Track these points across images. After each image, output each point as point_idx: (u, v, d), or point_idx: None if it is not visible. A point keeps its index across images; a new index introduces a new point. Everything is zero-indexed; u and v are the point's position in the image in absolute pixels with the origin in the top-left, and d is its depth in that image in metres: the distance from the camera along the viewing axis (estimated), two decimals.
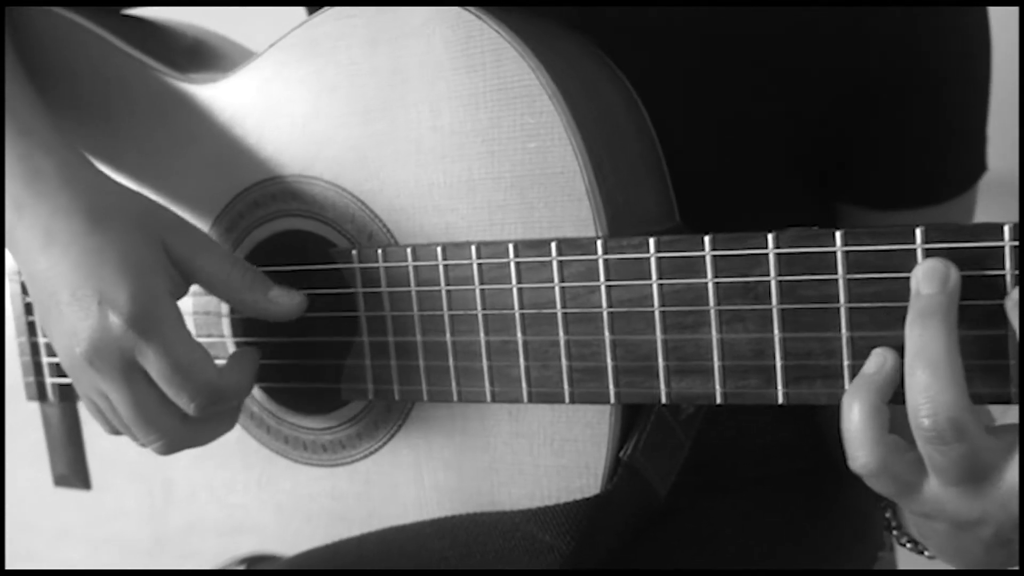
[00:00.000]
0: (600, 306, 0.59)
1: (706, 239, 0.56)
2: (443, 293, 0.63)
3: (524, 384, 0.62)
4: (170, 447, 0.67)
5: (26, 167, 0.68)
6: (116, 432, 0.70)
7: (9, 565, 0.93)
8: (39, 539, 0.90)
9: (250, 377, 0.68)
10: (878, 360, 0.53)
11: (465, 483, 0.67)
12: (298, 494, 0.74)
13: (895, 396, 0.53)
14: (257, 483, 0.76)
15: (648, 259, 0.58)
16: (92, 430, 0.85)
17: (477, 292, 0.62)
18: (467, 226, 0.63)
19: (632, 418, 0.63)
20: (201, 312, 0.76)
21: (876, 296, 0.54)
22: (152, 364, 0.63)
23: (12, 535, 0.92)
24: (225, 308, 0.75)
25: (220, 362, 0.67)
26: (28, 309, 0.85)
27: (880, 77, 0.70)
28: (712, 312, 0.57)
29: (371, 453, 0.70)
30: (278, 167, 0.70)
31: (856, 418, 0.53)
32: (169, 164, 0.75)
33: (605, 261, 0.59)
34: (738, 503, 0.79)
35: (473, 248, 0.62)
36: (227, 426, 0.69)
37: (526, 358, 0.62)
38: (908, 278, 0.52)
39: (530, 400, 0.62)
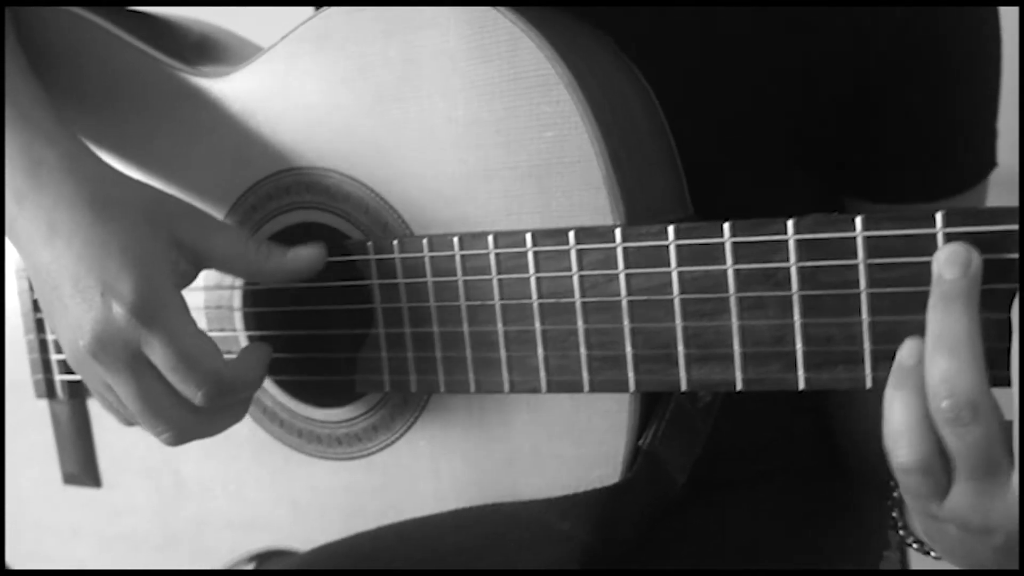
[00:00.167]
0: (619, 294, 0.59)
1: (725, 226, 0.56)
2: (460, 283, 0.63)
3: (543, 373, 0.62)
4: (178, 438, 0.66)
5: (28, 157, 0.67)
6: (131, 423, 0.70)
7: (19, 563, 0.93)
8: (49, 537, 0.90)
9: (260, 370, 0.68)
10: (915, 349, 0.53)
11: (483, 474, 0.67)
12: (313, 488, 0.74)
13: None
14: (271, 478, 0.76)
15: (667, 247, 0.58)
16: (102, 427, 0.85)
17: (495, 282, 0.62)
18: (483, 216, 0.63)
19: (650, 407, 0.63)
20: (213, 307, 0.75)
21: (897, 281, 0.54)
22: (158, 354, 0.63)
23: (22, 534, 0.92)
24: (237, 302, 0.75)
25: (231, 356, 0.67)
26: (36, 306, 0.85)
27: (889, 70, 0.70)
28: (732, 299, 0.57)
29: (387, 445, 0.70)
30: (291, 159, 0.70)
31: (899, 413, 0.52)
32: (180, 158, 0.75)
33: (624, 249, 0.58)
34: (748, 497, 0.79)
35: (490, 238, 0.62)
36: (236, 417, 0.69)
37: (544, 347, 0.62)
38: (929, 262, 0.52)
39: (548, 389, 0.62)
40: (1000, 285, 0.51)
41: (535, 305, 0.61)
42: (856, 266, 0.54)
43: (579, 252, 0.60)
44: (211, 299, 0.75)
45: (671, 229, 0.57)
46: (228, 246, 0.67)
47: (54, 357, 0.85)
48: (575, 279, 0.60)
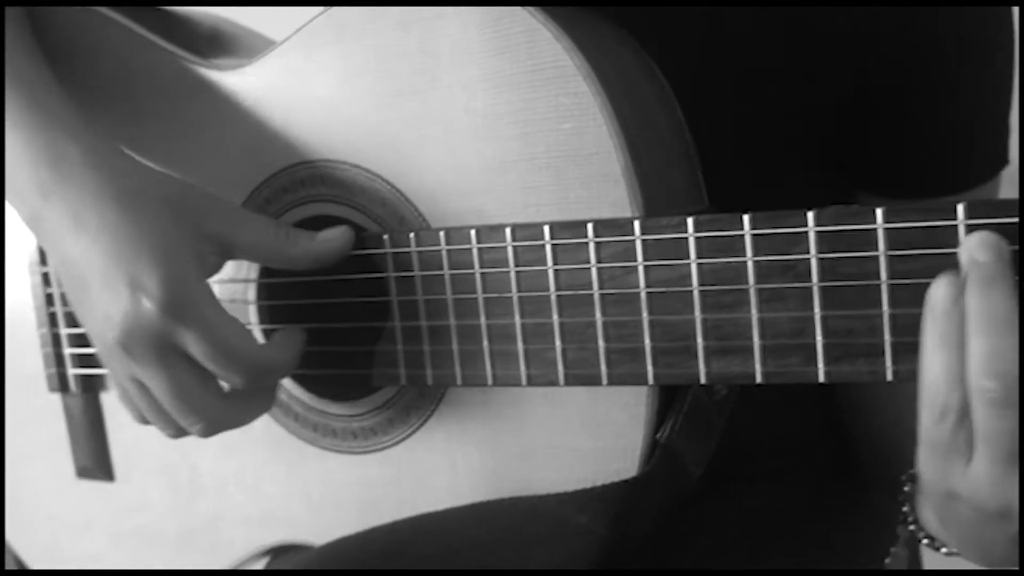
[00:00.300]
0: (638, 287, 0.59)
1: (745, 218, 0.56)
2: (477, 276, 0.63)
3: (560, 366, 0.62)
4: (211, 429, 0.67)
5: (51, 152, 0.67)
6: (145, 421, 0.70)
7: (32, 557, 0.93)
8: (62, 531, 0.90)
9: (295, 354, 0.68)
10: (953, 289, 0.51)
11: (500, 468, 0.67)
12: (328, 482, 0.74)
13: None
14: (286, 472, 0.76)
15: (687, 239, 0.57)
16: (115, 422, 0.85)
17: (512, 275, 0.62)
18: (500, 208, 0.63)
19: (668, 400, 0.63)
20: (227, 300, 0.75)
21: (918, 272, 0.53)
22: (195, 346, 0.63)
23: (36, 527, 0.92)
24: (252, 295, 0.74)
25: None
26: (49, 300, 0.85)
27: (902, 65, 0.70)
28: (752, 291, 0.57)
29: (403, 439, 0.70)
30: (307, 152, 0.69)
31: (938, 366, 0.51)
32: (194, 151, 0.75)
33: (643, 241, 0.58)
34: (762, 491, 0.79)
35: (508, 230, 0.61)
36: (266, 406, 0.69)
37: (562, 340, 0.61)
38: (950, 254, 0.52)
39: (566, 382, 0.62)
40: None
41: (553, 297, 0.61)
42: (877, 258, 0.54)
43: (597, 244, 0.59)
44: (225, 293, 0.75)
45: (690, 221, 0.57)
46: (254, 233, 0.67)
47: (67, 351, 0.85)
48: (593, 271, 0.60)
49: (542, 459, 0.65)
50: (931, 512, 0.60)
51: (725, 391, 0.66)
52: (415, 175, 0.65)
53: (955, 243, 0.52)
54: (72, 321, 0.82)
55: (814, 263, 0.55)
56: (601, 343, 0.60)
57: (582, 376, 0.61)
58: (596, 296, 0.60)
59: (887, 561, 0.68)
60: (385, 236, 0.66)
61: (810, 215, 0.55)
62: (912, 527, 0.65)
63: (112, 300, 0.63)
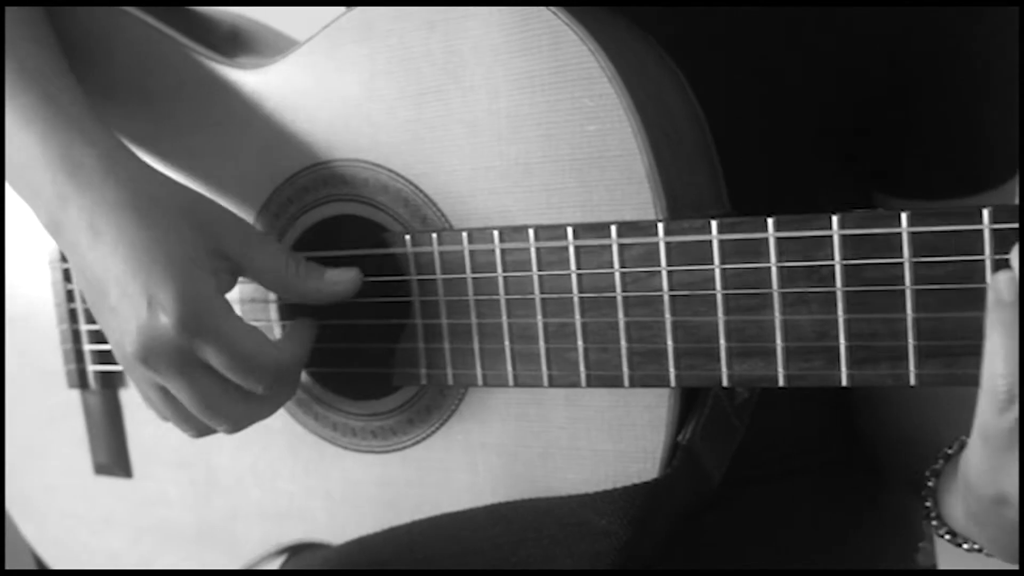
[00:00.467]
0: (661, 289, 0.59)
1: (769, 221, 0.56)
2: (500, 277, 0.63)
3: (582, 367, 0.62)
4: (237, 428, 0.68)
5: (68, 159, 0.67)
6: (168, 420, 0.70)
7: (50, 553, 0.94)
8: (80, 527, 0.90)
9: (308, 345, 0.69)
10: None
11: (520, 469, 0.67)
12: (347, 481, 0.74)
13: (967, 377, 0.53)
14: (304, 470, 0.76)
15: (710, 242, 0.57)
16: (133, 418, 0.85)
17: (535, 276, 0.62)
18: (523, 209, 0.63)
19: (689, 403, 0.63)
20: (248, 299, 0.75)
21: (942, 277, 0.53)
22: (215, 359, 0.64)
23: (53, 523, 0.92)
24: (273, 294, 0.74)
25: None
26: (70, 296, 0.85)
27: (919, 66, 0.69)
28: (775, 294, 0.57)
29: (423, 439, 0.70)
30: (329, 151, 0.70)
31: (1004, 346, 0.49)
32: (215, 150, 0.75)
33: (667, 244, 0.58)
34: (780, 494, 0.79)
35: (531, 231, 0.62)
36: (289, 395, 0.69)
37: (584, 341, 0.61)
38: (975, 260, 0.52)
39: (588, 384, 0.62)
40: None
41: (576, 299, 0.61)
42: (901, 263, 0.54)
43: (621, 246, 0.59)
44: (246, 292, 0.75)
45: (714, 224, 0.57)
46: (266, 259, 0.67)
47: (87, 347, 0.85)
48: (616, 273, 0.60)
49: (563, 460, 0.65)
50: (961, 510, 0.59)
51: (746, 395, 0.66)
52: (438, 175, 0.65)
53: (980, 247, 0.52)
54: (92, 317, 0.82)
55: (838, 267, 0.55)
56: (623, 344, 0.60)
57: (604, 377, 0.61)
58: (619, 298, 0.60)
59: (917, 557, 0.68)
60: (407, 236, 0.66)
61: (835, 219, 0.55)
62: (935, 522, 0.65)
63: (129, 313, 0.64)
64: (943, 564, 0.86)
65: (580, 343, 0.61)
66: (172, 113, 0.77)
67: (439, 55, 0.64)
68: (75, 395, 0.88)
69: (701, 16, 0.70)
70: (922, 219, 0.53)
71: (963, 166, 0.74)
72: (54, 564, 0.94)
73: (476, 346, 0.65)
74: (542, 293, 0.62)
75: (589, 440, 0.64)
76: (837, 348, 0.56)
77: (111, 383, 0.85)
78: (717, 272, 0.57)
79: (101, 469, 0.87)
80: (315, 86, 0.69)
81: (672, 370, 0.60)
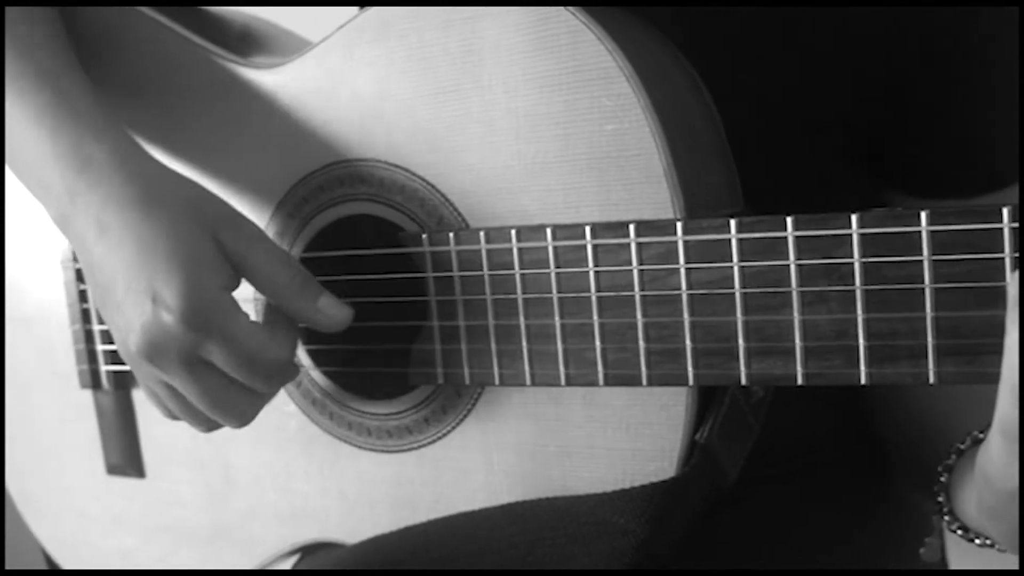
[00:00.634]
0: (679, 288, 0.59)
1: (788, 220, 0.56)
2: (517, 276, 0.63)
3: (600, 367, 0.62)
4: (243, 421, 0.68)
5: (78, 155, 0.67)
6: (175, 418, 0.70)
7: (62, 554, 0.94)
8: (93, 527, 0.90)
9: (295, 333, 0.68)
10: None
11: (537, 468, 0.67)
12: (362, 481, 0.74)
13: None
14: (319, 470, 0.76)
15: (729, 240, 0.57)
16: (146, 419, 0.85)
17: (552, 275, 0.62)
18: (541, 209, 0.63)
19: (706, 402, 0.63)
20: (258, 298, 0.75)
21: (962, 276, 0.53)
22: (218, 358, 0.64)
23: (66, 523, 0.92)
24: None
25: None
26: (82, 296, 0.85)
27: (935, 65, 0.69)
28: (795, 293, 0.57)
29: (439, 438, 0.70)
30: (344, 151, 0.70)
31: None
32: (230, 149, 0.75)
33: (685, 243, 0.58)
34: (793, 491, 0.79)
35: (549, 231, 0.62)
36: (292, 377, 0.69)
37: (602, 340, 0.61)
38: (995, 258, 0.52)
39: (606, 383, 0.62)
40: None
41: (594, 298, 0.61)
42: (921, 261, 0.54)
43: (639, 245, 0.59)
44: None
45: (733, 223, 0.57)
46: (266, 264, 0.66)
47: (100, 347, 0.85)
48: (635, 272, 0.60)
49: (580, 459, 0.65)
50: (975, 504, 0.59)
51: (762, 393, 0.66)
52: (454, 175, 0.65)
53: (1000, 245, 0.52)
54: None
55: (857, 266, 0.55)
56: (642, 344, 0.60)
57: (622, 376, 0.61)
58: (637, 297, 0.60)
59: (922, 551, 0.68)
60: (424, 235, 0.66)
61: (854, 218, 0.55)
62: (947, 517, 0.66)
63: (133, 310, 0.64)
64: (953, 559, 0.86)
65: (598, 343, 0.62)
66: (185, 113, 0.77)
67: (456, 54, 0.64)
68: (88, 395, 0.88)
69: (714, 16, 0.70)
70: (942, 217, 0.53)
71: (977, 165, 0.74)
72: (65, 564, 0.94)
73: (493, 346, 0.65)
74: (560, 292, 0.62)
75: (606, 439, 0.64)
76: (856, 347, 0.56)
77: (124, 383, 0.85)
78: (736, 271, 0.57)
79: (114, 470, 0.87)
80: (331, 85, 0.69)
81: (690, 369, 0.60)
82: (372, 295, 0.69)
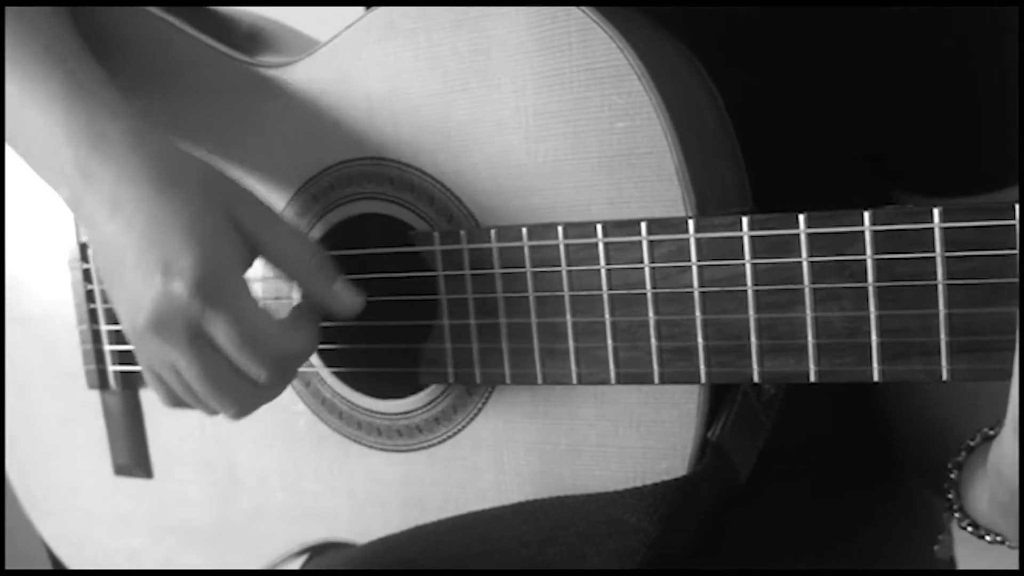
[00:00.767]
0: (691, 286, 0.59)
1: (801, 217, 0.56)
2: (528, 275, 0.63)
3: (612, 365, 0.62)
4: (242, 412, 0.67)
5: (91, 131, 0.67)
6: (177, 404, 0.70)
7: (69, 554, 0.93)
8: (99, 527, 0.90)
9: (315, 335, 0.68)
10: None
11: (547, 466, 0.67)
12: (371, 480, 0.74)
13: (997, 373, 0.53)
14: (329, 469, 0.76)
15: (741, 238, 0.57)
16: (154, 419, 0.85)
17: (564, 273, 0.62)
18: (551, 207, 0.63)
19: (717, 399, 0.63)
20: (272, 297, 0.75)
21: (974, 272, 0.53)
22: (221, 333, 0.63)
23: (73, 524, 0.92)
24: (297, 293, 0.74)
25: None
26: (90, 297, 0.85)
27: (941, 63, 0.70)
28: (807, 291, 0.57)
29: (449, 437, 0.70)
30: (354, 149, 0.70)
31: None
32: (240, 148, 0.75)
33: (697, 240, 0.58)
34: (803, 490, 0.79)
35: (560, 228, 0.62)
36: (292, 376, 0.69)
37: (614, 339, 0.61)
38: (1007, 255, 0.52)
39: (617, 381, 0.62)
40: None
41: (605, 296, 0.61)
42: (933, 258, 0.54)
43: (651, 243, 0.59)
44: (269, 290, 0.75)
45: (745, 220, 0.57)
46: (281, 240, 0.66)
47: (107, 348, 0.85)
48: (646, 270, 0.60)
49: (591, 458, 0.65)
50: (986, 501, 0.59)
51: (773, 391, 0.66)
52: (465, 173, 0.65)
53: (1013, 242, 0.52)
54: (113, 317, 0.82)
55: (870, 263, 0.55)
56: (653, 342, 0.60)
57: (634, 375, 0.61)
58: (649, 295, 0.60)
59: (936, 548, 0.68)
60: (435, 234, 0.66)
61: (866, 215, 0.55)
62: (957, 515, 0.66)
63: (144, 283, 0.63)
64: (961, 557, 0.86)
65: (610, 341, 0.61)
66: (193, 112, 0.77)
67: (465, 53, 0.64)
68: (93, 395, 0.88)
69: (717, 17, 0.70)
70: (954, 215, 0.53)
71: (980, 164, 0.74)
72: (72, 564, 0.94)
73: (504, 345, 0.65)
74: (571, 291, 0.62)
75: (617, 437, 0.64)
76: (869, 344, 0.56)
77: (132, 383, 0.85)
78: (748, 268, 0.57)
79: (121, 470, 0.87)
80: (340, 85, 0.69)
81: (703, 367, 0.60)
82: (382, 294, 0.69)
